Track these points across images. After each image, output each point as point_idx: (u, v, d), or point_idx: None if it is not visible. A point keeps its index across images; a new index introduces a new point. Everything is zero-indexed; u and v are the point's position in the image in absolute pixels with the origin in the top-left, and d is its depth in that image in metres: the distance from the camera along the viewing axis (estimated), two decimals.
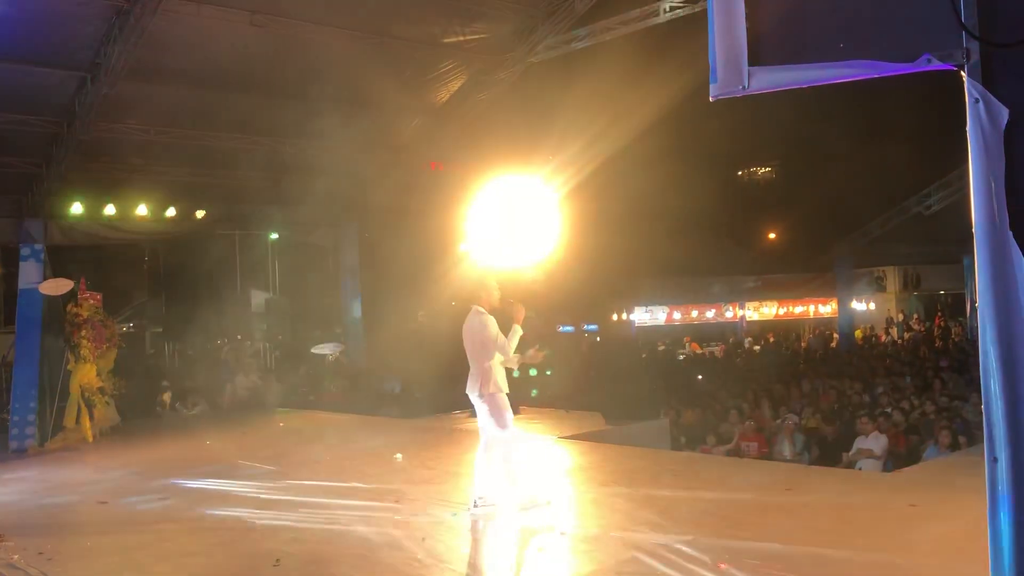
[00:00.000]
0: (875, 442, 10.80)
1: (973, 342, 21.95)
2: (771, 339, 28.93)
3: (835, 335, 29.35)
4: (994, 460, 2.62)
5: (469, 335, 7.03)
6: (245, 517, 7.33)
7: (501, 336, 6.93)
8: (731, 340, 29.77)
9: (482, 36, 13.76)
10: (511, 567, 5.72)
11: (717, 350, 27.56)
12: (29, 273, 12.88)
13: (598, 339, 28.87)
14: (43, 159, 13.45)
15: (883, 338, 28.64)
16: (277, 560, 5.93)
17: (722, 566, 5.31)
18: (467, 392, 7.05)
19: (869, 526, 6.15)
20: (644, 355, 25.50)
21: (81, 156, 13.44)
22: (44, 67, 11.74)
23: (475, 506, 6.90)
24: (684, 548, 5.78)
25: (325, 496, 7.95)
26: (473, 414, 12.97)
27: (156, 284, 17.95)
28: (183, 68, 12.55)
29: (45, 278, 12.77)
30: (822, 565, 5.25)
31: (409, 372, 16.17)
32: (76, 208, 14.16)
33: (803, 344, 28.68)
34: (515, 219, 10.90)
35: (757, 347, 28.15)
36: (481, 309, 7.03)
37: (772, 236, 34.59)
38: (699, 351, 27.55)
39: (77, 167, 13.67)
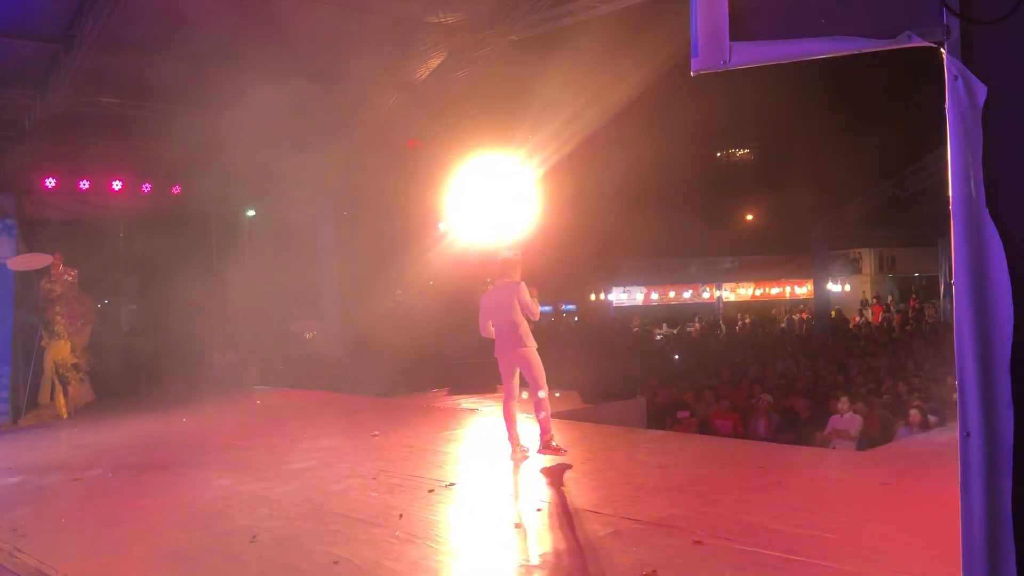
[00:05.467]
0: (850, 422, 10.91)
1: (947, 323, 22.21)
2: (747, 321, 29.12)
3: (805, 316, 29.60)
4: (967, 435, 2.65)
5: (504, 301, 7.93)
6: (221, 494, 7.31)
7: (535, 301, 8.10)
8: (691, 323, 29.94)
9: (461, 13, 13.66)
10: (488, 543, 5.74)
11: (693, 329, 27.77)
12: (1, 248, 12.71)
13: (576, 319, 29.00)
14: (15, 132, 13.25)
15: (856, 320, 28.90)
16: (254, 536, 5.92)
17: (697, 543, 5.35)
18: (504, 351, 7.96)
19: (842, 504, 6.21)
20: (634, 331, 25.59)
21: (55, 130, 13.26)
22: (15, 38, 11.54)
23: (514, 452, 7.96)
24: (660, 525, 5.83)
25: (301, 473, 7.94)
26: (455, 391, 13.06)
27: (131, 260, 17.78)
28: (159, 41, 12.37)
29: (18, 253, 12.61)
30: (795, 542, 5.30)
31: (387, 350, 16.16)
32: (50, 182, 13.96)
33: (781, 325, 28.90)
34: (493, 198, 10.91)
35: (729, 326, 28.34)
36: (507, 281, 8.03)
37: (750, 217, 34.76)
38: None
39: (51, 141, 13.48)
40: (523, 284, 7.97)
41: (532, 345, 7.87)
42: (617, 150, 23.12)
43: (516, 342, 7.83)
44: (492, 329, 8.07)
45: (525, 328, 7.88)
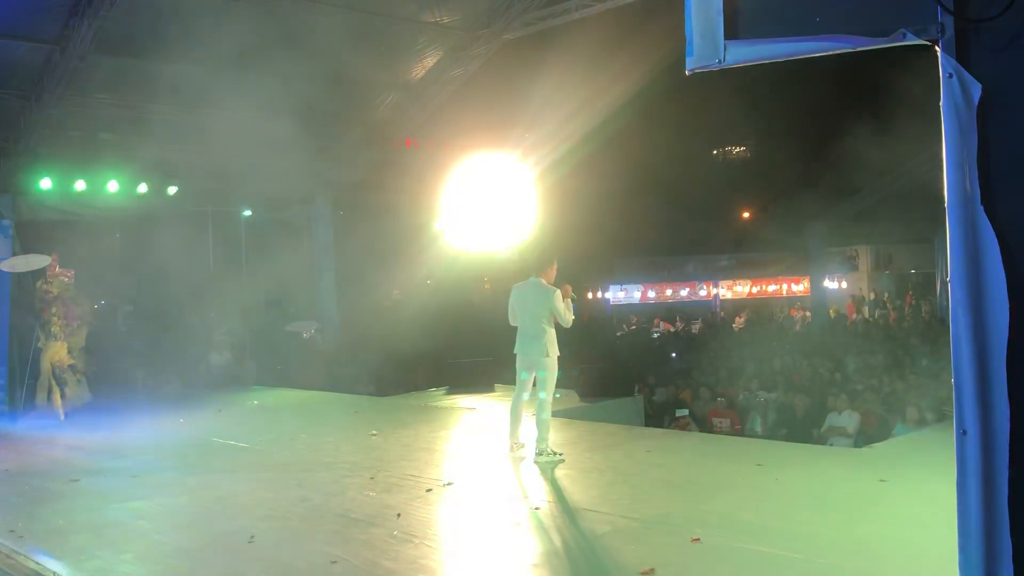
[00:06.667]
0: (847, 419, 10.93)
1: (942, 320, 22.22)
2: (740, 320, 29.09)
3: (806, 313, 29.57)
4: (963, 433, 2.66)
5: (535, 303, 7.88)
6: (219, 494, 7.31)
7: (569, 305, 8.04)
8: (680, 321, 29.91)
9: (457, 12, 13.66)
10: (486, 542, 5.74)
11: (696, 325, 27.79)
12: None
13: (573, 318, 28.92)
14: (11, 133, 13.22)
15: (853, 317, 28.89)
16: (252, 536, 5.92)
17: (695, 540, 5.36)
18: (525, 352, 7.94)
19: (839, 501, 6.22)
20: (619, 334, 25.63)
21: (50, 130, 13.24)
22: (10, 39, 11.52)
23: (512, 450, 8.08)
24: (658, 523, 5.84)
25: (300, 473, 7.94)
26: (452, 390, 13.06)
27: (128, 261, 17.76)
28: (155, 41, 12.35)
29: (14, 254, 12.57)
30: (793, 540, 5.32)
31: (384, 350, 16.15)
32: (45, 183, 13.93)
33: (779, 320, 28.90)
34: (490, 197, 10.92)
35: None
36: (544, 282, 7.94)
37: (746, 215, 34.74)
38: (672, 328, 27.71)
39: (46, 141, 13.45)
40: (558, 291, 7.89)
41: (555, 353, 7.90)
42: (613, 148, 23.10)
43: (540, 350, 7.83)
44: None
45: (551, 336, 7.89)
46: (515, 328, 8.13)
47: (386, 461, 8.32)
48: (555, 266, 8.06)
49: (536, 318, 7.85)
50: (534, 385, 8.04)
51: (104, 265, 15.72)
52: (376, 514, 6.39)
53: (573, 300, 8.12)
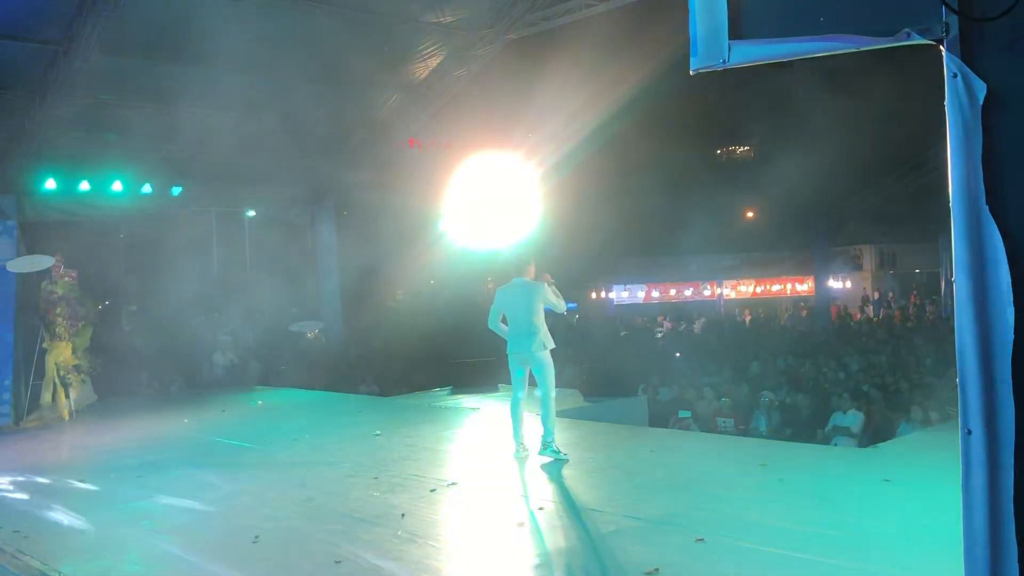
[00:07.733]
0: (852, 419, 10.92)
1: (947, 320, 22.20)
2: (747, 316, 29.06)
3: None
4: (968, 432, 2.65)
5: (525, 301, 8.00)
6: (222, 495, 7.32)
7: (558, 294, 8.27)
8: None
9: (460, 12, 13.66)
10: (491, 542, 5.74)
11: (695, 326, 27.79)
12: (1, 250, 12.70)
13: (577, 317, 29.00)
14: (15, 134, 13.24)
15: (857, 316, 28.87)
16: (256, 536, 5.93)
17: (700, 540, 5.36)
18: (520, 350, 7.97)
19: (844, 501, 6.21)
20: (623, 333, 25.61)
21: (55, 131, 13.26)
22: (14, 40, 11.54)
23: (516, 450, 8.03)
24: (662, 523, 5.83)
25: (303, 473, 7.94)
26: (456, 390, 13.06)
27: (132, 261, 17.80)
28: (159, 42, 12.37)
29: (18, 255, 12.60)
30: (798, 540, 5.31)
31: (388, 350, 16.17)
32: (50, 184, 13.96)
33: (782, 322, 28.87)
34: (493, 197, 10.92)
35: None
36: (528, 280, 8.10)
37: (750, 215, 34.71)
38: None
39: (50, 142, 13.47)
40: (545, 285, 8.04)
41: (550, 346, 7.97)
42: (616, 147, 23.10)
43: (537, 345, 7.88)
44: (503, 327, 8.12)
45: (546, 331, 7.96)
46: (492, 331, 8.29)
47: (390, 461, 8.32)
48: (533, 267, 8.16)
49: (529, 315, 7.92)
50: (531, 383, 8.06)
51: (108, 265, 15.76)
52: (380, 514, 6.39)
53: (553, 284, 8.24)
